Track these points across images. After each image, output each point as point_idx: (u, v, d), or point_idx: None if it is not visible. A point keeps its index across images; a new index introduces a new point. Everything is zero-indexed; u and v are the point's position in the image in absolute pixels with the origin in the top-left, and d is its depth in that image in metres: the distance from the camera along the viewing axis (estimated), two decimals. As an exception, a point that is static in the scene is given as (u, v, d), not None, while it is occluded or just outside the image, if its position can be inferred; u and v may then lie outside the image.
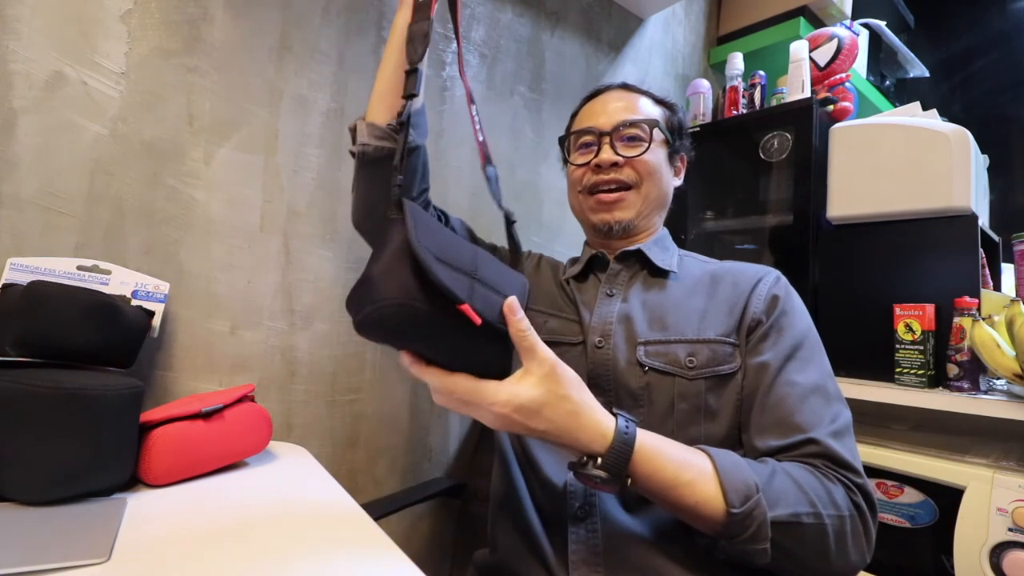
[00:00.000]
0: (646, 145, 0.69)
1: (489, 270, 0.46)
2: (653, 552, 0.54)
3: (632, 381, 0.60)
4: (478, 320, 0.41)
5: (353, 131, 0.65)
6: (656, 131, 0.70)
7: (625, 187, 0.70)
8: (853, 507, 0.50)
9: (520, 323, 0.44)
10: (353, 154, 0.65)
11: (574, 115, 0.79)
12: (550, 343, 0.48)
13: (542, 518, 0.60)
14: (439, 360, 0.44)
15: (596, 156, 0.70)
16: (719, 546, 0.49)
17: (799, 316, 0.62)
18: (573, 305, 0.69)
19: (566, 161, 0.76)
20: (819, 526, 0.48)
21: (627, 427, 0.47)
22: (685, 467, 0.48)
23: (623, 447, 0.46)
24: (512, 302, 0.44)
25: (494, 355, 0.45)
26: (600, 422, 0.47)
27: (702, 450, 0.51)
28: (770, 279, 0.65)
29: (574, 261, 0.78)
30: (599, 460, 0.45)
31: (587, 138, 0.72)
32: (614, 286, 0.69)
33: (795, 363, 0.58)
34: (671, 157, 0.74)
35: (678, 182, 0.77)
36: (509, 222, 0.52)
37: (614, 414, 0.48)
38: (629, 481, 0.46)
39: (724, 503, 0.47)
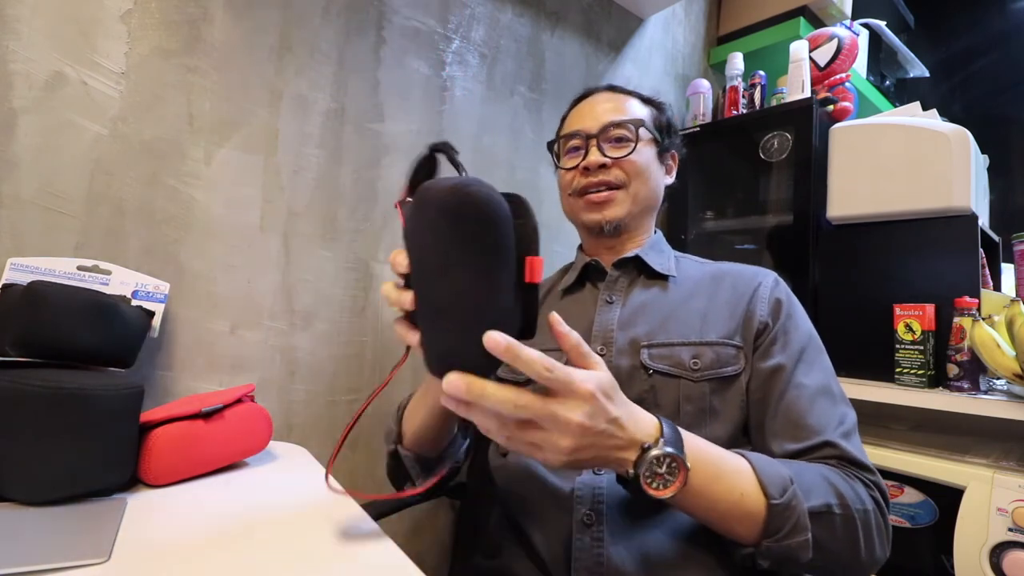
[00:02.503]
0: (633, 145, 0.69)
1: None
2: (659, 563, 0.53)
3: (637, 385, 0.60)
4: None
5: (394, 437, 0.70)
6: (642, 130, 0.70)
7: (614, 187, 0.70)
8: (873, 502, 0.52)
9: (571, 333, 0.42)
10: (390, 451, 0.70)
11: (563, 119, 0.79)
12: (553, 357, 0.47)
13: (546, 525, 0.59)
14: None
15: (584, 159, 0.70)
16: (761, 550, 0.48)
17: (802, 319, 0.64)
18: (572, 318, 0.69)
19: (557, 166, 0.77)
20: (849, 517, 0.49)
21: (660, 418, 0.46)
22: (725, 457, 0.48)
23: (673, 429, 0.44)
24: (557, 319, 0.42)
25: (514, 317, 0.39)
26: (644, 411, 0.45)
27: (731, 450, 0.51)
28: (769, 281, 0.66)
29: (566, 270, 0.78)
30: (662, 439, 0.42)
31: (575, 141, 0.72)
32: (613, 292, 0.69)
33: (802, 366, 0.59)
34: (661, 156, 0.74)
35: (670, 180, 0.77)
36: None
37: None
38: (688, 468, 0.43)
39: (764, 496, 0.46)
